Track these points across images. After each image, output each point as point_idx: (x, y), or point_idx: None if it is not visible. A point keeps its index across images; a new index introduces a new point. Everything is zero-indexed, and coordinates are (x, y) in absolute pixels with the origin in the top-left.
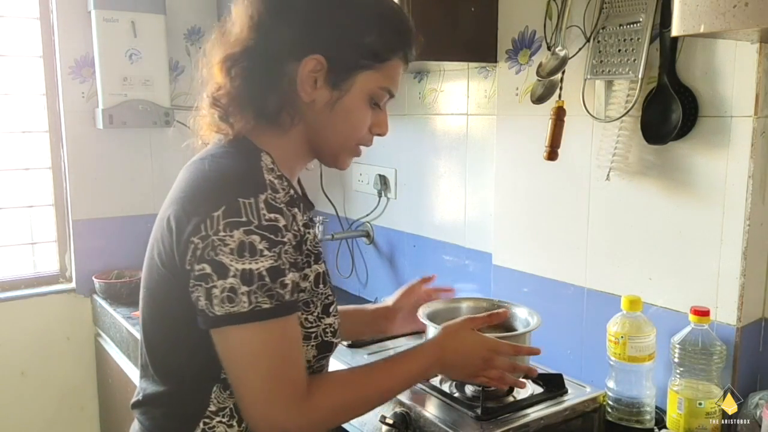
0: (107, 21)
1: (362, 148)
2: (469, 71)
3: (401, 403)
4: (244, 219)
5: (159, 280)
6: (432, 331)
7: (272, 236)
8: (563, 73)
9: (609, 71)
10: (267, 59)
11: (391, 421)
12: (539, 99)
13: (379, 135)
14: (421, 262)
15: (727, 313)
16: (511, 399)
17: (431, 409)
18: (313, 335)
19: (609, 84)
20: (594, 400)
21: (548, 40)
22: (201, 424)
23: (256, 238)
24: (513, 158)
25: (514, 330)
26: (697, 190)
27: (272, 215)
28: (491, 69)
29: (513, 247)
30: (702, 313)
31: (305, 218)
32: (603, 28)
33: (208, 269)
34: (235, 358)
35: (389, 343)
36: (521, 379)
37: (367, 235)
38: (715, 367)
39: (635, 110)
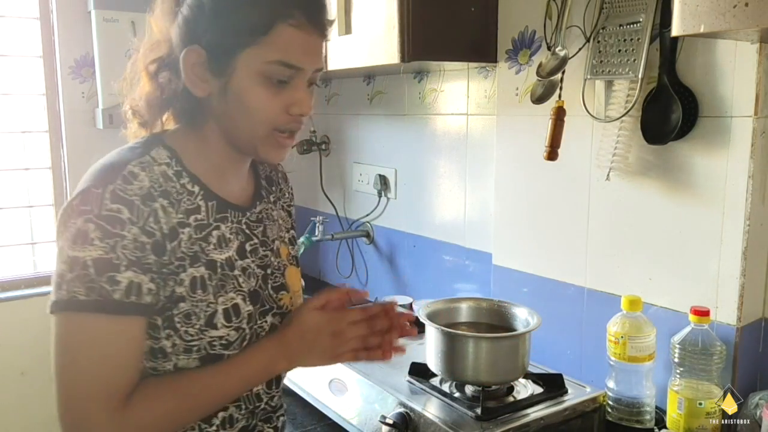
0: (107, 21)
1: (298, 134)
2: (469, 71)
3: (401, 403)
4: (87, 207)
5: None
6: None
7: (108, 227)
8: (563, 73)
9: (609, 71)
10: (171, 60)
11: (391, 421)
12: (539, 99)
13: (301, 115)
14: (421, 262)
15: (727, 313)
16: (511, 399)
17: (431, 409)
18: (195, 348)
19: (609, 84)
20: (594, 400)
21: (548, 40)
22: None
23: (91, 226)
24: (513, 158)
25: (514, 330)
26: (697, 190)
27: (115, 206)
28: (491, 69)
29: (513, 247)
30: (702, 313)
31: (186, 217)
32: (603, 28)
33: (56, 255)
34: (54, 347)
35: None
36: (403, 335)
37: (367, 235)
38: (715, 367)
39: (635, 110)
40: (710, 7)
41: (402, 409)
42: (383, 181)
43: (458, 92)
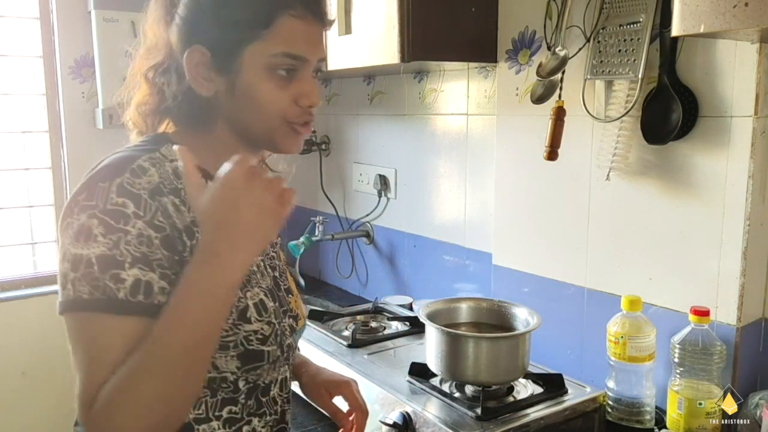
0: (107, 21)
1: (311, 124)
2: (469, 71)
3: (401, 403)
4: (92, 202)
5: None
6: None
7: (112, 222)
8: (563, 73)
9: (609, 71)
10: (169, 65)
11: (391, 422)
12: (539, 99)
13: (310, 106)
14: (421, 262)
15: (727, 313)
16: (511, 399)
17: (431, 409)
18: (232, 344)
19: (609, 84)
20: (594, 400)
21: (548, 40)
22: None
23: (94, 222)
24: (513, 158)
25: (514, 330)
26: (697, 190)
27: (120, 199)
28: (491, 69)
29: (513, 247)
30: (702, 313)
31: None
32: (603, 28)
33: (59, 254)
34: (70, 347)
35: (389, 343)
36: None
37: (367, 235)
38: (715, 367)
39: (635, 110)
40: (710, 7)
41: (402, 409)
42: (383, 181)
43: (458, 92)
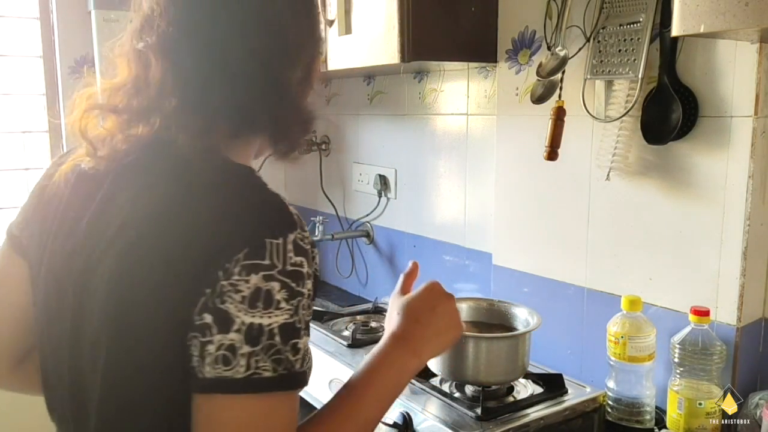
0: (107, 21)
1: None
2: (469, 71)
3: (401, 403)
4: (265, 263)
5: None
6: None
7: (293, 285)
8: (563, 73)
9: (609, 71)
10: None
11: (391, 422)
12: (539, 99)
13: None
14: (421, 262)
15: (727, 313)
16: (511, 399)
17: (431, 409)
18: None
19: (609, 84)
20: (594, 400)
21: (548, 40)
22: None
23: (275, 285)
24: (513, 158)
25: (515, 330)
26: (697, 190)
27: (299, 259)
28: (491, 69)
29: (513, 247)
30: (702, 313)
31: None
32: (603, 28)
33: (208, 318)
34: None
35: None
36: None
37: (367, 235)
38: (715, 367)
39: (635, 110)
40: (710, 7)
41: (402, 409)
42: (383, 181)
43: (458, 92)
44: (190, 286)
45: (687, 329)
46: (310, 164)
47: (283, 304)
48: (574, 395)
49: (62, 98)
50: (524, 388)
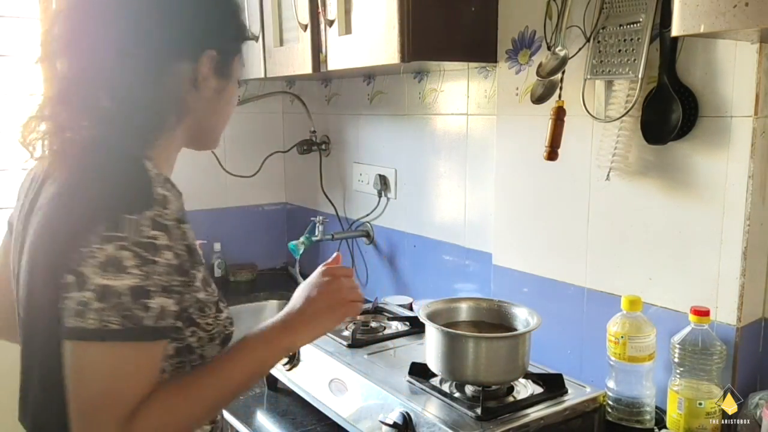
0: None
1: None
2: (469, 71)
3: (401, 403)
4: (122, 234)
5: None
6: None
7: (145, 254)
8: (563, 73)
9: (609, 71)
10: (145, 64)
11: (391, 422)
12: (539, 99)
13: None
14: (421, 262)
15: (727, 313)
16: (511, 399)
17: (431, 409)
18: (217, 334)
19: (609, 84)
20: (594, 400)
21: (548, 40)
22: None
23: (125, 254)
24: (513, 158)
25: (515, 330)
26: (697, 190)
27: (153, 233)
28: (491, 69)
29: (513, 247)
30: (702, 313)
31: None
32: (603, 28)
33: (71, 279)
34: (72, 373)
35: (389, 343)
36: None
37: (367, 235)
38: (715, 367)
39: (635, 110)
40: (710, 7)
41: (402, 409)
42: (383, 181)
43: (458, 92)
44: (65, 254)
45: (687, 329)
46: (310, 164)
47: (133, 270)
48: (574, 395)
49: None
50: (524, 388)
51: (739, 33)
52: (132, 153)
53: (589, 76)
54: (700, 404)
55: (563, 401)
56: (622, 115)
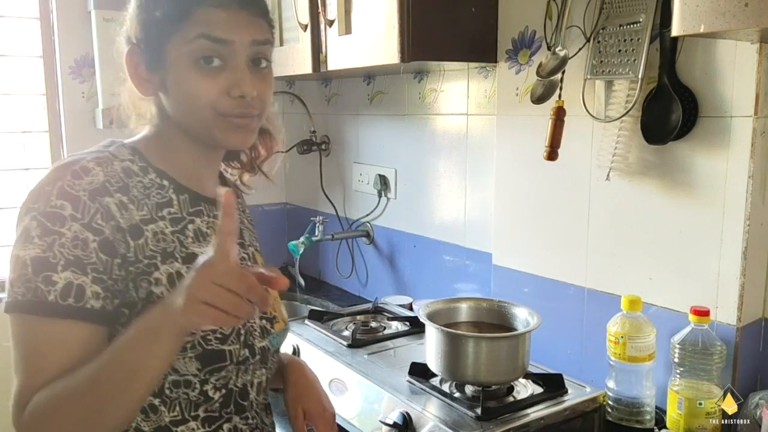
0: (107, 21)
1: (244, 118)
2: (469, 71)
3: (401, 403)
4: (36, 205)
5: None
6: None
7: (48, 224)
8: (563, 73)
9: (609, 71)
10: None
11: (391, 422)
12: (539, 99)
13: (241, 96)
14: (421, 262)
15: (727, 313)
16: (511, 399)
17: (431, 409)
18: (189, 345)
19: (609, 84)
20: (594, 400)
21: (548, 40)
22: None
23: (33, 224)
24: (513, 158)
25: (515, 330)
26: (697, 190)
27: (59, 202)
28: (491, 69)
29: (513, 247)
30: (702, 313)
31: (156, 212)
32: (603, 28)
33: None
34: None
35: (389, 343)
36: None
37: (367, 235)
38: (715, 367)
39: (635, 110)
40: (710, 7)
41: (402, 409)
42: (383, 181)
43: (458, 92)
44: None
45: (687, 329)
46: (310, 164)
47: (36, 240)
48: (574, 395)
49: (62, 98)
50: (524, 388)
51: (739, 33)
52: (115, 140)
53: (589, 76)
54: (700, 404)
55: (563, 401)
56: (622, 115)
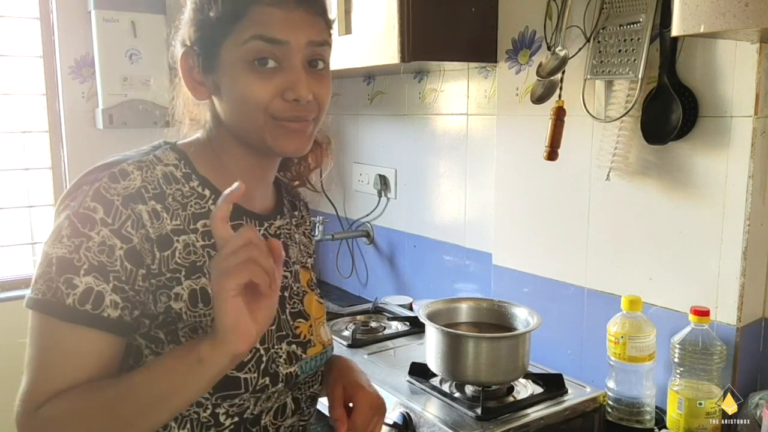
0: (107, 21)
1: (297, 122)
2: (469, 71)
3: (401, 403)
4: (73, 203)
5: None
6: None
7: (79, 225)
8: (563, 73)
9: (609, 71)
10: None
11: (391, 422)
12: (539, 99)
13: (296, 100)
14: (421, 262)
15: (727, 313)
16: (511, 399)
17: (431, 409)
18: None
19: (609, 84)
20: (594, 400)
21: (548, 40)
22: None
23: (66, 223)
24: (513, 158)
25: (515, 330)
26: (697, 190)
27: (93, 204)
28: (491, 69)
29: (513, 247)
30: (702, 313)
31: (190, 224)
32: (603, 28)
33: None
34: None
35: (389, 343)
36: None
37: (367, 235)
38: (715, 367)
39: (635, 110)
40: (710, 7)
41: (402, 409)
42: (383, 181)
43: (458, 92)
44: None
45: (687, 329)
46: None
47: (65, 240)
48: (574, 395)
49: (62, 98)
50: (524, 388)
51: (739, 33)
52: (165, 141)
53: (589, 76)
54: (700, 404)
55: (563, 401)
56: (622, 115)
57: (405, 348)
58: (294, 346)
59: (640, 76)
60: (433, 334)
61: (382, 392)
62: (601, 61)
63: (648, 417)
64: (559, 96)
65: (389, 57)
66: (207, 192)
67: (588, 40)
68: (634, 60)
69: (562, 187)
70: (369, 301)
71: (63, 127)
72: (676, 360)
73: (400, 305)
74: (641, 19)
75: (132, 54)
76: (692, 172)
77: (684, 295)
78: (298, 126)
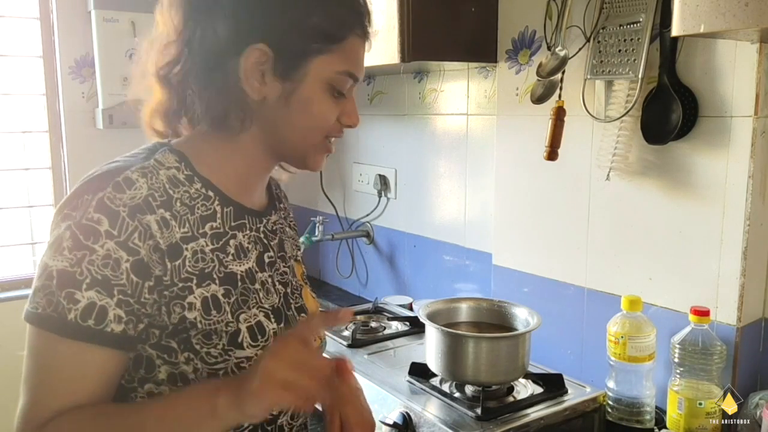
0: (107, 21)
1: (335, 142)
2: (469, 71)
3: (401, 403)
4: (74, 213)
5: None
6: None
7: (81, 237)
8: (563, 73)
9: (609, 71)
10: (204, 59)
11: (391, 422)
12: (539, 99)
13: (350, 126)
14: (421, 262)
15: (727, 313)
16: (511, 399)
17: (431, 409)
18: (222, 372)
19: (609, 84)
20: (594, 400)
21: (548, 40)
22: None
23: (67, 234)
24: (513, 158)
25: (515, 330)
26: (697, 190)
27: (96, 215)
28: (491, 69)
29: (513, 247)
30: (702, 313)
31: (198, 228)
32: (603, 28)
33: None
34: None
35: (389, 343)
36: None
37: (367, 235)
38: (715, 367)
39: (635, 110)
40: (710, 7)
41: (402, 409)
42: (383, 181)
43: (458, 92)
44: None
45: (687, 329)
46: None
47: (66, 252)
48: (574, 395)
49: (62, 98)
50: (524, 388)
51: (739, 33)
52: (161, 145)
53: (589, 76)
54: (700, 404)
55: (563, 401)
56: (622, 115)
57: (405, 348)
58: None
59: (640, 76)
60: (433, 334)
61: (383, 392)
62: (601, 61)
63: (648, 417)
64: (559, 96)
65: (389, 57)
66: (211, 193)
67: (588, 40)
68: (634, 60)
69: (562, 187)
70: (369, 301)
71: (63, 127)
72: (676, 360)
73: (400, 305)
74: (641, 19)
75: (132, 54)
76: (692, 172)
77: (684, 295)
78: (332, 146)
